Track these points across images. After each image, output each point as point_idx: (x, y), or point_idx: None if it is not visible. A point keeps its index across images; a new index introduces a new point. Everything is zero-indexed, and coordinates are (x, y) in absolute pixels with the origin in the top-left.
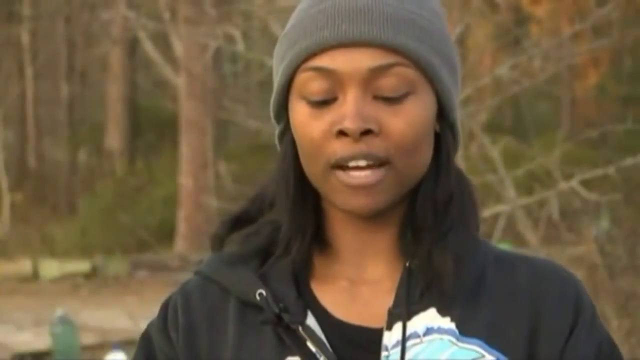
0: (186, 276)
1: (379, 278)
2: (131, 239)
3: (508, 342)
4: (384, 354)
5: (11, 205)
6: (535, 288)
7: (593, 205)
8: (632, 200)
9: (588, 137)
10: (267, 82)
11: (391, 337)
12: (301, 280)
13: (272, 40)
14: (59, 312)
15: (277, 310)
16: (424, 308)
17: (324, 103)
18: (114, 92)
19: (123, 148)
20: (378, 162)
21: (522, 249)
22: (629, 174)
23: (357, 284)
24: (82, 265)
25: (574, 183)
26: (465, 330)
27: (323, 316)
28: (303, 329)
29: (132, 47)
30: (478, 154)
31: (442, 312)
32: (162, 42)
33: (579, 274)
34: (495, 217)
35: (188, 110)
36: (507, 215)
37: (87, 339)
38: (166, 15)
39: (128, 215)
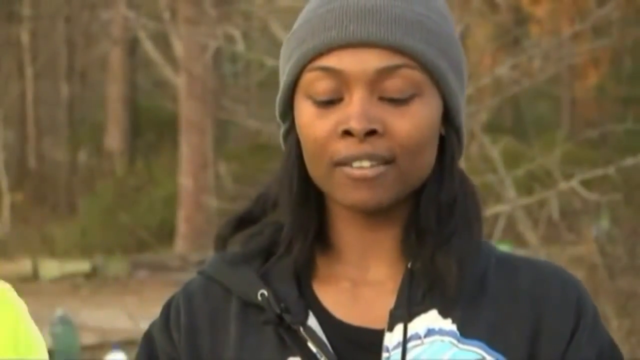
0: (186, 276)
1: (381, 279)
2: (131, 239)
3: (509, 344)
4: (384, 355)
5: (11, 205)
6: (537, 290)
7: (593, 205)
8: (632, 200)
9: (588, 137)
10: (267, 82)
11: (392, 339)
12: (303, 280)
13: (272, 40)
14: (59, 312)
15: (278, 311)
16: (425, 310)
17: (329, 103)
18: (114, 92)
19: (123, 148)
20: (382, 162)
21: (522, 249)
22: (629, 174)
23: (359, 284)
24: (82, 265)
25: (574, 183)
26: (467, 332)
27: (324, 317)
28: (304, 329)
29: (132, 47)
30: (478, 154)
31: (444, 313)
32: (162, 42)
33: (579, 274)
34: (495, 217)
35: (188, 110)
36: (507, 215)
37: (87, 339)
38: (166, 15)
39: (128, 215)
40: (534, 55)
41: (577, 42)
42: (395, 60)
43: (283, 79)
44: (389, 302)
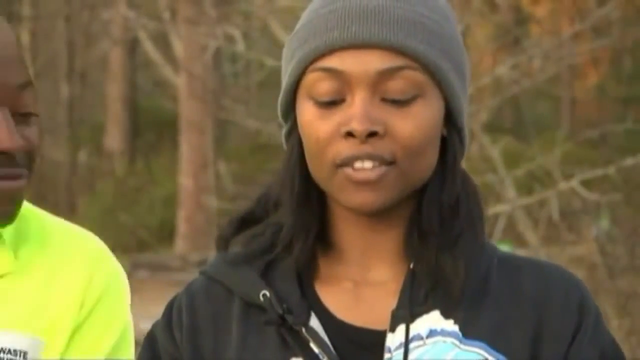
0: (186, 276)
1: (383, 280)
2: (131, 239)
3: (511, 345)
4: (386, 355)
5: None
6: (539, 291)
7: (593, 205)
8: (632, 200)
9: (588, 137)
10: (267, 82)
11: (394, 339)
12: (305, 281)
13: (272, 40)
14: None
15: (280, 311)
16: (427, 310)
17: (331, 104)
18: (114, 92)
19: (123, 148)
20: (383, 163)
21: (522, 249)
22: (629, 174)
23: (361, 285)
24: None
25: (574, 183)
26: (469, 332)
27: (326, 317)
28: (306, 330)
29: (132, 47)
30: (478, 154)
31: (446, 314)
32: (162, 42)
33: (579, 274)
34: (495, 217)
35: (188, 110)
36: (507, 215)
37: None
38: (166, 15)
39: (128, 215)
40: (534, 55)
41: (577, 42)
42: (397, 61)
43: (285, 79)
44: (391, 302)
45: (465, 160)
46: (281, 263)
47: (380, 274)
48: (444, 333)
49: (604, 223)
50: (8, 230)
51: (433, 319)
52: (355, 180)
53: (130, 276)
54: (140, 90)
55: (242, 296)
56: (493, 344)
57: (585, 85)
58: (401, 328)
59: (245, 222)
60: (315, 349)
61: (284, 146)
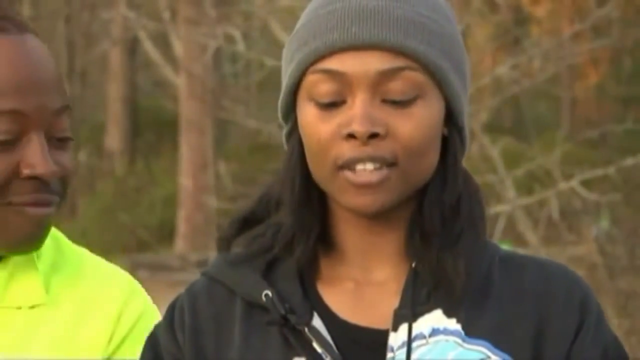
0: (186, 276)
1: (385, 279)
2: (131, 239)
3: (514, 343)
4: (389, 355)
5: None
6: (541, 289)
7: (593, 205)
8: (632, 200)
9: (588, 137)
10: (267, 82)
11: (397, 338)
12: (307, 281)
13: (272, 40)
14: None
15: (283, 311)
16: (429, 309)
17: (332, 105)
18: (114, 92)
19: (123, 148)
20: (385, 164)
21: (522, 249)
22: (629, 174)
23: (362, 285)
24: None
25: (574, 183)
26: (471, 331)
27: (329, 317)
28: (309, 329)
29: (132, 47)
30: (478, 154)
31: (448, 313)
32: (162, 42)
33: (579, 274)
34: (495, 217)
35: (188, 110)
36: (507, 215)
37: None
38: (166, 15)
39: (128, 215)
40: (534, 55)
41: (577, 42)
42: (398, 62)
43: (285, 80)
44: (393, 302)
45: (465, 160)
46: (283, 263)
47: (382, 274)
48: (446, 332)
49: (604, 223)
50: (44, 261)
51: (435, 318)
52: (356, 183)
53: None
54: (140, 90)
55: (244, 296)
56: (496, 343)
57: (585, 85)
58: (404, 327)
59: (246, 222)
60: (318, 349)
61: (285, 147)
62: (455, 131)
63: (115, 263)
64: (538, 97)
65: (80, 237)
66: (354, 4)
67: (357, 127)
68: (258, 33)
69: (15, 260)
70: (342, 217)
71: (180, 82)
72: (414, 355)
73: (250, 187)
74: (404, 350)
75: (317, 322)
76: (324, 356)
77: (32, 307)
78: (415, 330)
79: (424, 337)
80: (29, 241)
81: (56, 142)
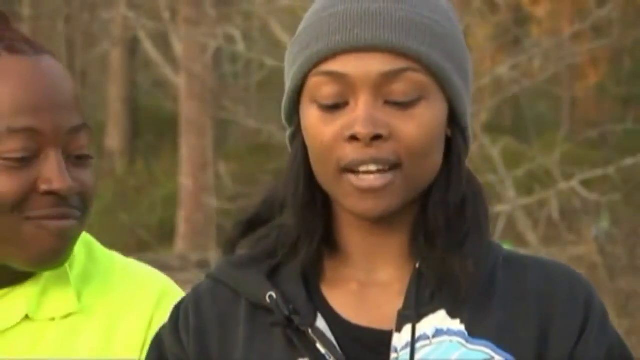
0: (186, 276)
1: (389, 280)
2: (131, 239)
3: (517, 344)
4: (393, 355)
5: None
6: (545, 290)
7: (593, 205)
8: (632, 200)
9: (588, 137)
10: (266, 82)
11: (401, 339)
12: (311, 282)
13: (272, 40)
14: None
15: (287, 313)
16: (433, 310)
17: (335, 107)
18: (114, 92)
19: (123, 148)
20: (388, 166)
21: (522, 249)
22: (629, 174)
23: (366, 286)
24: None
25: (574, 183)
26: (475, 331)
27: (333, 318)
28: (313, 331)
29: (132, 47)
30: (478, 154)
31: (452, 314)
32: (162, 42)
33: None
34: (495, 217)
35: (188, 110)
36: (507, 215)
37: None
38: (166, 15)
39: (128, 215)
40: (534, 55)
41: (577, 42)
42: (400, 63)
43: (288, 83)
44: (397, 303)
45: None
46: (287, 265)
47: (386, 275)
48: (450, 332)
49: (604, 223)
50: (75, 271)
51: (439, 319)
52: (359, 188)
53: None
54: (140, 90)
55: (248, 298)
56: (499, 343)
57: (585, 85)
58: (407, 328)
59: (251, 224)
60: (322, 350)
61: (289, 149)
62: (458, 132)
63: None
64: (538, 97)
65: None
66: (356, 7)
67: (360, 129)
68: (258, 33)
69: (47, 274)
70: (346, 219)
71: (180, 82)
72: (417, 356)
73: (250, 187)
74: (408, 351)
75: (321, 323)
76: (327, 357)
77: (65, 316)
78: (419, 331)
79: (427, 337)
80: (50, 255)
81: (74, 159)
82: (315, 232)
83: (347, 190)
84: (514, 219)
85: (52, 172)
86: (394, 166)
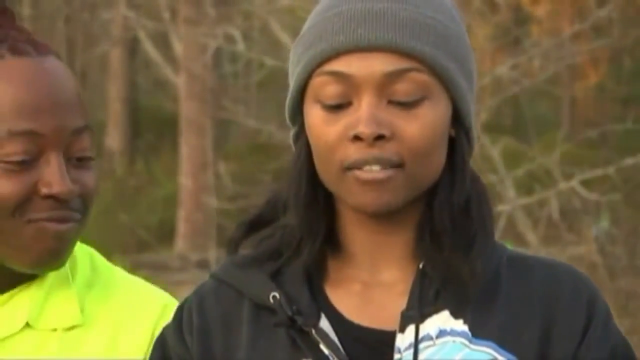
0: (186, 276)
1: (392, 281)
2: (131, 239)
3: (520, 344)
4: (396, 356)
5: None
6: (548, 290)
7: (593, 205)
8: (632, 200)
9: (588, 137)
10: (266, 82)
11: (404, 340)
12: (315, 283)
13: (272, 40)
14: None
15: (290, 313)
16: (437, 310)
17: (338, 107)
18: (114, 92)
19: (123, 148)
20: (390, 166)
21: (522, 249)
22: (629, 174)
23: (370, 286)
24: None
25: (574, 183)
26: (478, 332)
27: (336, 319)
28: (316, 331)
29: (132, 47)
30: (478, 154)
31: (455, 314)
32: (162, 42)
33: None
34: (496, 217)
35: (188, 110)
36: (507, 215)
37: None
38: (166, 15)
39: (128, 215)
40: (534, 55)
41: (577, 42)
42: (404, 63)
43: (292, 82)
44: (401, 303)
45: None
46: (290, 265)
47: (390, 276)
48: (453, 333)
49: (604, 223)
50: (78, 280)
51: (442, 319)
52: (362, 179)
53: None
54: (140, 90)
55: (252, 298)
56: (502, 344)
57: (585, 85)
58: (411, 328)
59: (254, 225)
60: (325, 350)
61: (293, 148)
62: (462, 132)
63: (115, 263)
64: (538, 97)
65: (80, 238)
66: (359, 7)
67: (363, 129)
68: (258, 33)
69: (52, 280)
70: (349, 218)
71: (180, 82)
72: (421, 356)
73: (250, 187)
74: (411, 351)
75: (324, 323)
76: (330, 357)
77: (68, 329)
78: (422, 332)
79: (431, 338)
80: (50, 257)
81: (75, 161)
82: (318, 231)
83: (351, 184)
84: (514, 219)
85: (52, 176)
86: (396, 166)
